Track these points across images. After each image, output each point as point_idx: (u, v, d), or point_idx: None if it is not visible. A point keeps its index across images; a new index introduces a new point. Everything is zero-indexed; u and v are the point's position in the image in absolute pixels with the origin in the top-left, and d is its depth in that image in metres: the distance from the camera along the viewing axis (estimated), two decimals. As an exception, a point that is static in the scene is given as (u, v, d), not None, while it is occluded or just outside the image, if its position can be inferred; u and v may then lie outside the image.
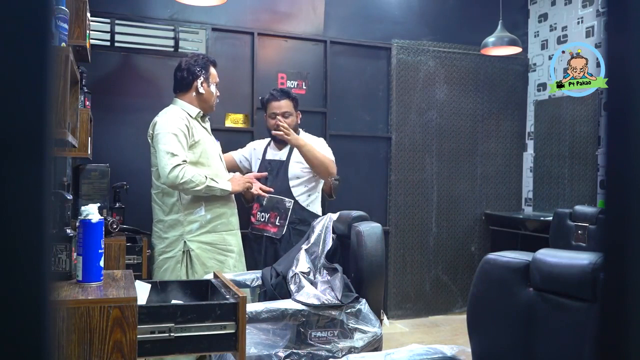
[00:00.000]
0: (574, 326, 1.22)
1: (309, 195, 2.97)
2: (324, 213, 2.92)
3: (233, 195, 2.73)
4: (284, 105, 3.02)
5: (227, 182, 2.64)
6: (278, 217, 2.89)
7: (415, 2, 4.37)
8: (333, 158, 3.01)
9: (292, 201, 2.90)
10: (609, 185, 0.36)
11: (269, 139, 3.15)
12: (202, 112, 2.70)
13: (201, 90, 2.69)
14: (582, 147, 4.15)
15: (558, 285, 1.27)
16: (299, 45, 4.02)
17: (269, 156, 3.09)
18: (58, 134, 1.56)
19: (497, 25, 3.85)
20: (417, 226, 4.36)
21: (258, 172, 3.02)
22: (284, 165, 3.00)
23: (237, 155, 3.23)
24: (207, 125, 2.80)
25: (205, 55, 2.85)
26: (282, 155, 3.04)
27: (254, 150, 3.20)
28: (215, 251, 2.61)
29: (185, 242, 2.57)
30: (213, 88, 2.74)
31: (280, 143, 3.04)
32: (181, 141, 2.52)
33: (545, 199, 4.47)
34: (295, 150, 2.96)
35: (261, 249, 2.92)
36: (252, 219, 3.00)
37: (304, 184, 2.97)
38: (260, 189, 2.81)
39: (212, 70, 2.75)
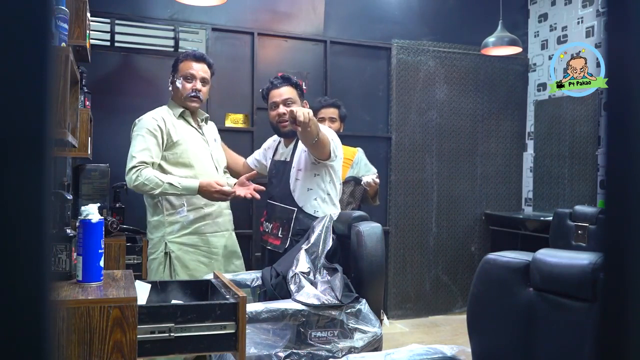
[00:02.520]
0: (574, 326, 1.22)
1: (315, 199, 2.53)
2: None
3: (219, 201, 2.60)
4: (285, 92, 2.62)
5: (196, 182, 2.44)
6: (280, 229, 2.54)
7: (415, 2, 4.37)
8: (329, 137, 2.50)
9: (296, 210, 2.51)
10: (609, 185, 0.36)
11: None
12: (186, 110, 2.62)
13: (170, 88, 2.67)
14: (582, 147, 4.15)
15: (558, 285, 1.27)
16: (299, 45, 4.02)
17: (277, 156, 2.74)
18: (58, 134, 1.56)
19: (497, 25, 3.85)
20: (417, 226, 4.36)
21: (268, 174, 2.76)
22: (287, 167, 2.60)
23: (251, 160, 2.95)
24: (202, 124, 2.70)
25: (181, 53, 2.74)
26: (287, 154, 2.65)
27: (266, 150, 2.87)
28: (198, 253, 2.53)
29: (166, 243, 2.51)
30: (179, 83, 2.60)
31: (288, 137, 2.67)
32: (148, 142, 2.47)
33: (545, 199, 4.48)
34: (298, 150, 2.59)
35: (264, 263, 2.66)
36: (261, 228, 2.72)
37: (306, 185, 2.54)
38: (256, 189, 2.58)
39: (182, 64, 2.61)
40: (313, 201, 2.53)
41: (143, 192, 2.45)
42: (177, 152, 2.53)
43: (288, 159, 2.62)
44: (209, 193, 2.43)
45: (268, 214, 2.66)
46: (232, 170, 2.92)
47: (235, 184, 2.66)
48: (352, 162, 3.24)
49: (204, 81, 2.62)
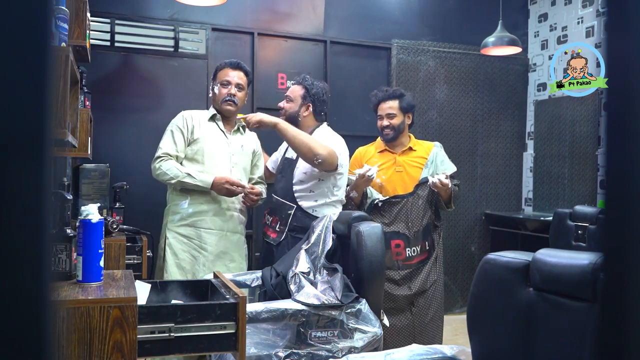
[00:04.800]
0: (574, 326, 1.22)
1: (316, 201, 2.62)
2: None
3: (227, 197, 2.67)
4: (290, 89, 2.80)
5: (212, 176, 2.59)
6: (279, 223, 2.65)
7: (415, 2, 4.37)
8: (332, 148, 2.58)
9: (294, 207, 2.60)
10: (609, 185, 0.36)
11: None
12: (216, 114, 2.76)
13: (210, 95, 2.84)
14: (582, 147, 4.15)
15: (558, 285, 1.27)
16: (299, 45, 4.02)
17: (287, 153, 2.82)
18: (58, 134, 1.56)
19: (497, 25, 3.85)
20: (417, 226, 4.36)
21: (277, 169, 2.86)
22: (292, 165, 2.71)
23: (269, 162, 3.00)
24: (235, 131, 2.79)
25: (221, 62, 2.85)
26: (294, 152, 2.72)
27: (280, 149, 2.96)
28: (190, 245, 2.65)
29: (167, 231, 2.68)
30: (216, 89, 2.75)
31: None
32: (175, 137, 2.67)
33: (545, 199, 4.47)
34: None
35: (262, 252, 2.83)
36: (263, 220, 2.84)
37: (309, 188, 2.63)
38: (251, 193, 2.67)
39: (220, 72, 2.76)
40: (313, 202, 2.63)
41: (163, 181, 2.63)
42: (194, 148, 2.67)
43: (294, 158, 2.72)
44: (220, 185, 2.58)
45: (271, 207, 2.78)
46: (265, 176, 2.99)
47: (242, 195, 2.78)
48: (426, 161, 2.89)
49: (239, 87, 2.75)
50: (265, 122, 2.60)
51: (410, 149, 2.95)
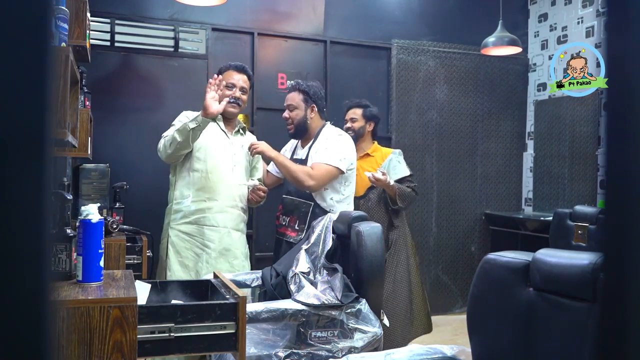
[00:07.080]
0: (574, 326, 1.22)
1: (331, 199, 2.73)
2: None
3: (230, 194, 2.70)
4: (289, 97, 2.83)
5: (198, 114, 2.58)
6: (298, 221, 2.70)
7: (415, 2, 4.37)
8: (333, 163, 2.67)
9: (312, 204, 2.69)
10: (609, 185, 0.36)
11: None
12: (220, 115, 2.77)
13: None
14: (582, 147, 4.15)
15: (558, 285, 1.27)
16: (299, 45, 4.02)
17: (295, 155, 2.89)
18: (58, 134, 1.56)
19: (497, 25, 3.85)
20: (417, 226, 4.36)
21: None
22: (303, 164, 2.76)
23: (271, 166, 3.00)
24: (235, 132, 2.82)
25: (224, 64, 2.87)
26: (303, 153, 2.82)
27: (285, 152, 2.99)
28: (193, 242, 2.66)
29: (169, 229, 2.68)
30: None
31: (294, 138, 2.91)
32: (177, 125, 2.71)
33: (545, 199, 4.48)
34: (314, 148, 2.77)
35: (279, 253, 2.76)
36: (276, 221, 2.88)
37: (322, 187, 2.74)
38: (259, 189, 2.76)
39: (225, 75, 2.78)
40: (329, 200, 2.73)
41: (169, 152, 2.60)
42: (196, 146, 2.68)
43: (304, 158, 2.79)
44: (204, 104, 2.54)
45: (284, 208, 2.82)
46: (270, 181, 3.04)
47: (250, 190, 2.80)
48: (379, 166, 3.10)
49: (242, 90, 2.79)
50: (267, 154, 2.72)
51: (368, 154, 3.17)
